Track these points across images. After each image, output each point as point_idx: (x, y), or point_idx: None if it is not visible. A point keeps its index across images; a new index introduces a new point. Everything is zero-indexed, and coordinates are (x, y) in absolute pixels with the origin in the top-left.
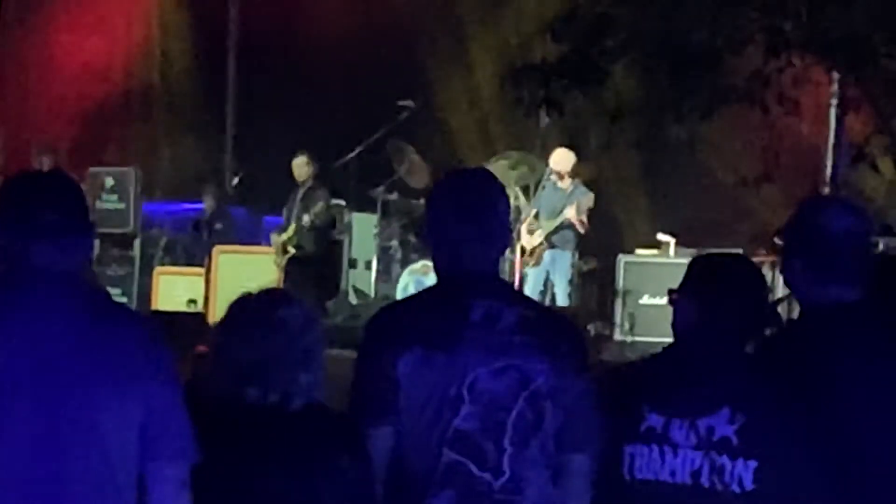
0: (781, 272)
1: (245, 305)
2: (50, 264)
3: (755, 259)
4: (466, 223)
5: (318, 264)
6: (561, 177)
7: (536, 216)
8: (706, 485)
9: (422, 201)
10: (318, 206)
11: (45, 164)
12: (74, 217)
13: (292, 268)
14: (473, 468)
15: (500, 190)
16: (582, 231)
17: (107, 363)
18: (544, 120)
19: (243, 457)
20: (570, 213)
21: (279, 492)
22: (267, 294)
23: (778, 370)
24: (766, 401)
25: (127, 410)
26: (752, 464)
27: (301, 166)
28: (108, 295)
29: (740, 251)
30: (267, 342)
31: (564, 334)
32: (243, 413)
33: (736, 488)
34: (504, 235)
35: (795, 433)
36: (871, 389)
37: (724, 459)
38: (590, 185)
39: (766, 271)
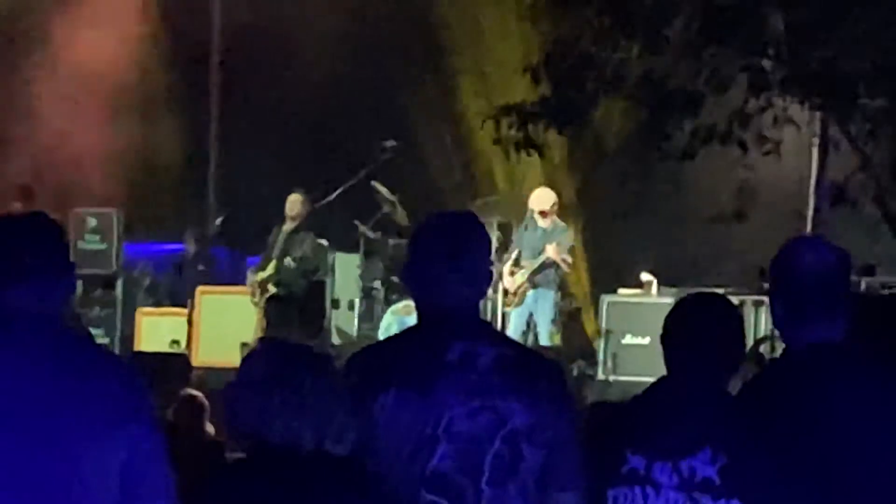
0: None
1: (260, 355)
2: (28, 307)
3: (737, 298)
4: (448, 264)
5: (300, 304)
6: (543, 216)
7: (518, 256)
8: None
9: (404, 241)
10: (306, 247)
11: (18, 209)
12: (53, 259)
13: (272, 307)
14: None
15: (483, 231)
16: (567, 269)
17: (86, 408)
18: (526, 161)
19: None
20: (550, 252)
21: None
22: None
23: (760, 410)
24: (747, 441)
25: (107, 455)
26: (735, 503)
27: (296, 204)
28: (88, 337)
29: (722, 290)
30: (277, 393)
31: (544, 374)
32: (255, 460)
33: None
34: (486, 276)
35: (777, 473)
36: (851, 429)
37: (707, 500)
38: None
39: (749, 310)
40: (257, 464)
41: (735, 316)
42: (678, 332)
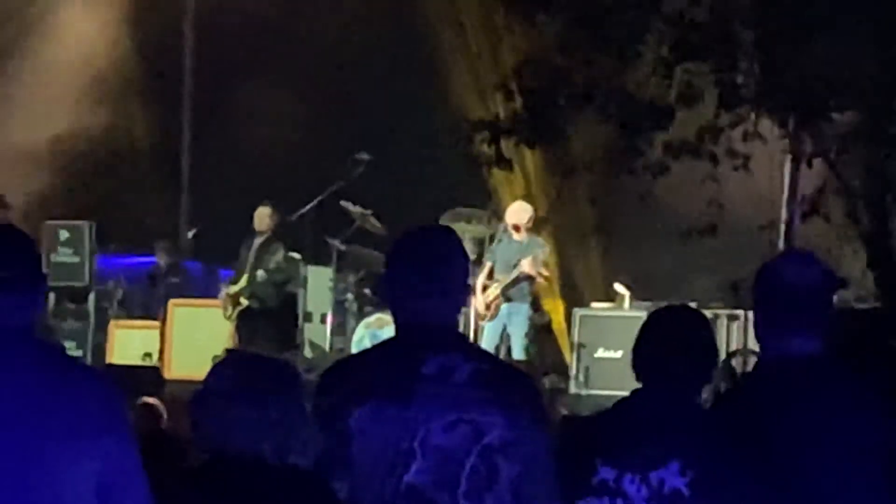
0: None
1: (222, 368)
2: (1, 320)
3: (710, 312)
4: (425, 279)
5: (272, 317)
6: (517, 230)
7: (491, 270)
8: None
9: (377, 253)
10: (279, 256)
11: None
12: (24, 272)
13: (244, 321)
14: None
15: (459, 246)
16: (544, 283)
17: (62, 420)
18: (498, 174)
19: None
20: (525, 267)
21: None
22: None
23: (731, 424)
24: (717, 455)
25: (83, 467)
26: None
27: (264, 217)
28: (62, 350)
29: (695, 304)
30: (236, 405)
31: (520, 388)
32: (213, 470)
33: None
34: (462, 291)
35: (746, 487)
36: (825, 441)
37: None
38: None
39: (722, 324)
40: (215, 474)
41: (706, 328)
42: (651, 344)
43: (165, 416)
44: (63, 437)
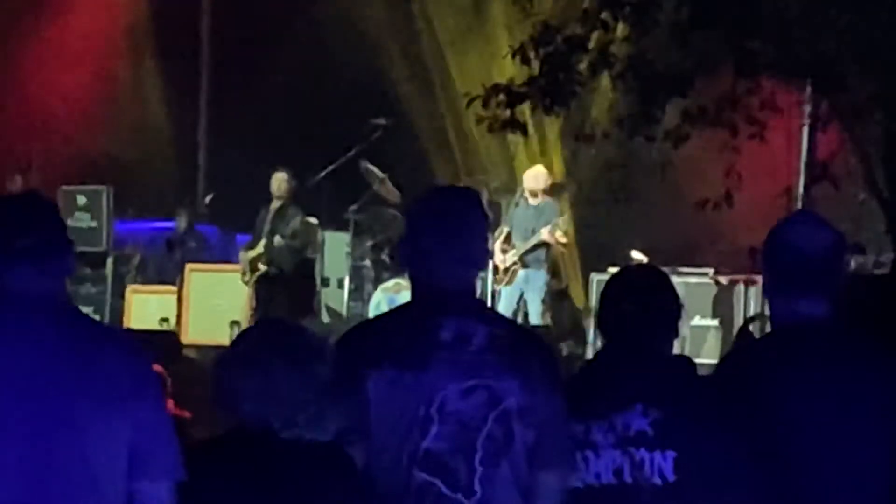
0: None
1: (248, 336)
2: (29, 288)
3: (727, 277)
4: (443, 243)
5: (289, 283)
6: (534, 195)
7: (509, 235)
8: (629, 481)
9: (393, 215)
10: (296, 222)
11: (18, 182)
12: (52, 239)
13: (262, 286)
14: (444, 488)
15: (480, 209)
16: (562, 249)
17: (93, 384)
18: (516, 140)
19: (235, 485)
20: (544, 234)
21: None
22: (271, 324)
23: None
24: (681, 395)
25: (114, 431)
26: (671, 454)
27: (281, 182)
28: (90, 316)
29: (712, 270)
30: (268, 373)
31: (536, 353)
32: (238, 440)
33: (658, 480)
34: (482, 255)
35: (712, 426)
36: (826, 401)
37: (643, 453)
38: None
39: (739, 289)
40: (233, 444)
41: (665, 286)
42: (610, 304)
43: (170, 385)
44: (94, 401)
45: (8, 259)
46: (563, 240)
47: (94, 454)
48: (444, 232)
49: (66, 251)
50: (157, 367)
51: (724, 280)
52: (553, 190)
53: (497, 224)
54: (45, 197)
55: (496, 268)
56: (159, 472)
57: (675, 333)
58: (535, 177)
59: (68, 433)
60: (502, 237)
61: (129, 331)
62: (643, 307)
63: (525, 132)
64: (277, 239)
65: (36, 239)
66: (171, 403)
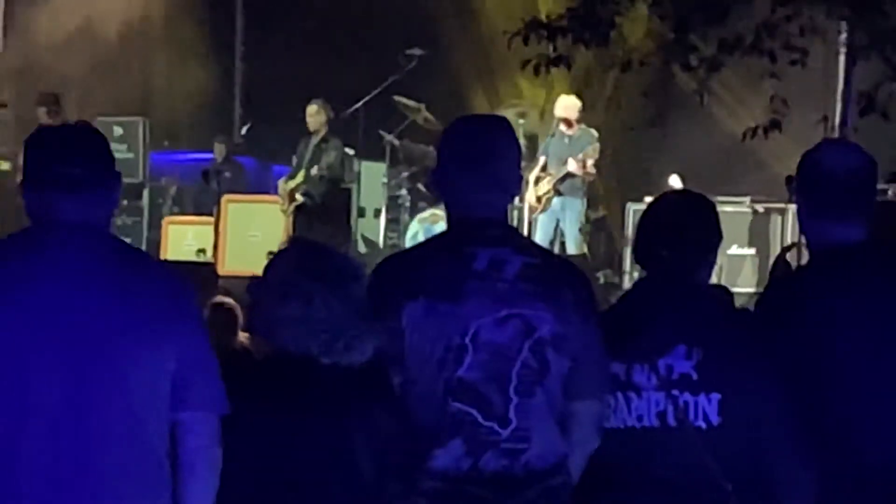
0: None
1: (284, 258)
2: (76, 218)
3: (763, 206)
4: (473, 170)
5: (327, 213)
6: (568, 124)
7: (545, 165)
8: (673, 424)
9: (430, 148)
10: (331, 157)
11: (42, 114)
12: (100, 170)
13: (300, 216)
14: (479, 417)
15: (511, 136)
16: (589, 179)
17: (138, 315)
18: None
19: (275, 409)
20: (571, 167)
21: (312, 445)
22: (306, 248)
23: (765, 310)
24: (722, 333)
25: (159, 361)
26: (715, 396)
27: (314, 115)
28: (134, 247)
29: (748, 199)
30: (306, 299)
31: (570, 281)
32: (276, 365)
33: (702, 423)
34: (513, 182)
35: (755, 364)
36: (864, 326)
37: (687, 396)
38: (598, 133)
39: (775, 218)
40: (272, 370)
41: (702, 211)
42: (647, 233)
43: (242, 316)
44: (139, 332)
45: (55, 189)
46: (591, 169)
47: (136, 383)
48: (473, 159)
49: (113, 183)
50: (228, 299)
51: (760, 208)
52: (588, 120)
53: (534, 154)
54: (95, 129)
55: (532, 196)
56: (203, 403)
57: (713, 262)
58: (565, 106)
59: (111, 361)
60: (538, 167)
61: (163, 262)
62: (680, 237)
63: (569, 67)
64: (315, 170)
65: (83, 170)
66: (243, 336)
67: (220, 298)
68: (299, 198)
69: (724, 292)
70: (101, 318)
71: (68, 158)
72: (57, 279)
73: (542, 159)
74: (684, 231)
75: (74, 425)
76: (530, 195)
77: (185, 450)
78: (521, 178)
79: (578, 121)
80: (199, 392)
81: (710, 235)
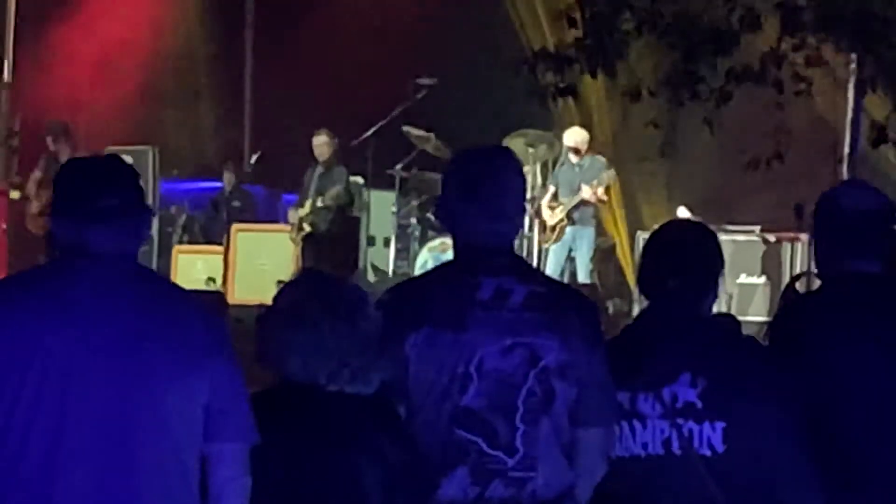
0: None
1: (294, 288)
2: (108, 249)
3: (773, 235)
4: (478, 200)
5: (334, 242)
6: (577, 153)
7: (556, 193)
8: (678, 452)
9: (439, 177)
10: (335, 191)
11: (50, 143)
12: (131, 200)
13: (308, 245)
14: (485, 446)
15: (515, 166)
16: (600, 206)
17: (171, 344)
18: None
19: (283, 438)
20: (586, 194)
21: (320, 473)
22: (314, 278)
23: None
24: (727, 360)
25: (192, 391)
26: (720, 425)
27: (321, 145)
28: (166, 278)
29: (757, 228)
30: (314, 327)
31: (576, 309)
32: (285, 394)
33: (706, 451)
34: (517, 211)
35: (760, 392)
36: (873, 353)
37: (691, 424)
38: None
39: (785, 247)
40: (279, 398)
41: (706, 241)
42: (650, 262)
43: None
44: (171, 364)
45: (90, 218)
46: (604, 196)
47: (172, 412)
48: (477, 189)
49: (144, 214)
50: None
51: (771, 237)
52: (597, 148)
53: (544, 183)
54: (124, 161)
55: (543, 225)
56: (235, 434)
57: (717, 290)
58: (575, 134)
59: (146, 394)
60: (549, 195)
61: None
62: (683, 266)
63: (576, 96)
64: (321, 201)
65: (118, 200)
66: None
67: None
68: (306, 227)
69: (730, 320)
70: (137, 349)
71: (104, 189)
72: (92, 310)
73: (551, 189)
74: (687, 260)
75: (112, 456)
76: (545, 222)
77: (216, 480)
78: (525, 208)
79: (586, 150)
80: (231, 423)
81: (713, 264)
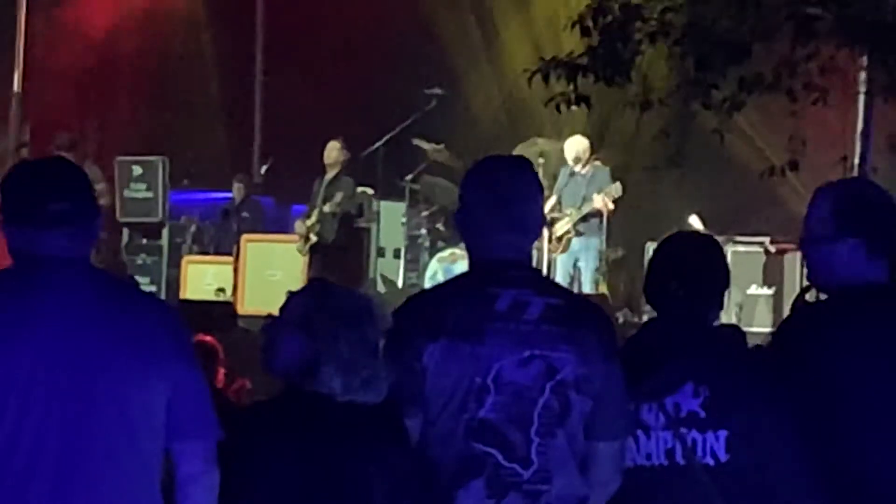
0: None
1: (302, 298)
2: (59, 253)
3: (775, 246)
4: (497, 212)
5: (341, 252)
6: (577, 162)
7: (559, 203)
8: (681, 462)
9: (449, 186)
10: (339, 197)
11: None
12: (81, 204)
13: (316, 256)
14: (501, 458)
15: (534, 177)
16: (611, 215)
17: (131, 346)
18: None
19: (291, 448)
20: (598, 203)
21: (328, 482)
22: (320, 288)
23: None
24: (731, 370)
25: (153, 390)
26: (723, 434)
27: (333, 151)
28: (123, 279)
29: (767, 239)
30: (306, 339)
31: (593, 322)
32: (293, 403)
33: (710, 461)
34: (535, 222)
35: (764, 401)
36: (879, 362)
37: (694, 434)
38: (616, 172)
39: (795, 258)
40: (286, 406)
41: (712, 252)
42: (657, 273)
43: (222, 354)
44: (132, 365)
45: (40, 223)
46: (612, 206)
47: (133, 416)
48: (496, 201)
49: (95, 217)
50: (208, 338)
51: (772, 248)
52: (603, 157)
53: (550, 192)
54: (72, 162)
55: (551, 236)
56: (198, 432)
57: (722, 301)
58: (576, 144)
59: (108, 395)
60: (550, 205)
61: (183, 301)
62: (689, 277)
63: (589, 105)
64: (327, 207)
65: (64, 204)
66: (221, 373)
67: (200, 337)
68: (313, 237)
69: (734, 331)
70: (98, 351)
71: (54, 193)
72: (51, 315)
73: (553, 198)
74: (693, 272)
75: (77, 455)
76: (552, 232)
77: (180, 476)
78: (544, 218)
79: (589, 160)
80: (191, 421)
81: (718, 276)
